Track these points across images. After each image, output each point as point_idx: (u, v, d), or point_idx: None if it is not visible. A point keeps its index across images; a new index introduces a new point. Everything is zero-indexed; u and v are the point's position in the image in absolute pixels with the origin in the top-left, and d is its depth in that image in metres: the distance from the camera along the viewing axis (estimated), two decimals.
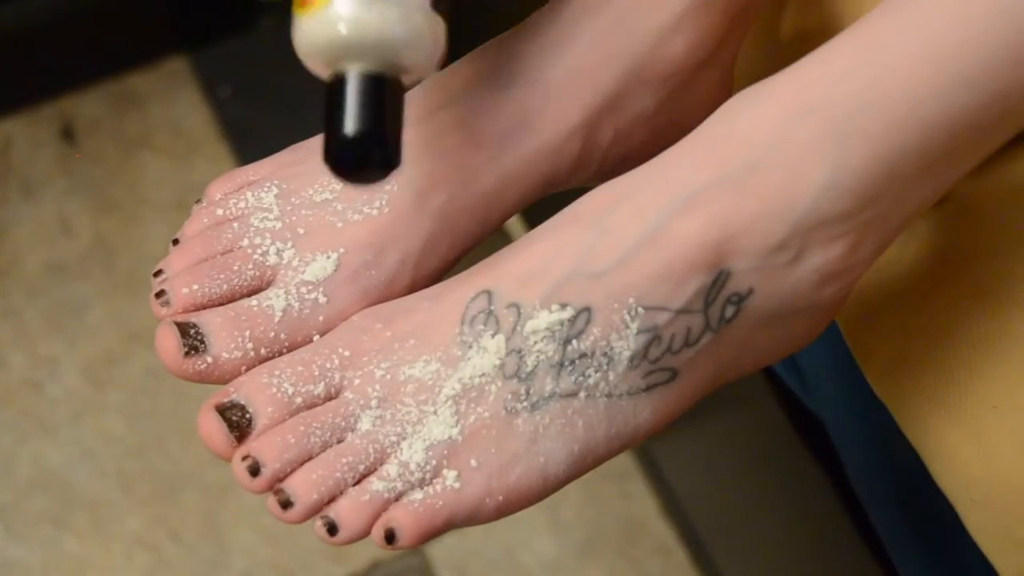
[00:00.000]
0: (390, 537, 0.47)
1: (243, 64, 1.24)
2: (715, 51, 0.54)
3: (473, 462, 0.48)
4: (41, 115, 1.22)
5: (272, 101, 1.22)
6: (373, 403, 0.48)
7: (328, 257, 0.51)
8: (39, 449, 1.09)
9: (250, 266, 0.51)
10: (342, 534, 0.47)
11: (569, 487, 0.50)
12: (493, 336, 0.48)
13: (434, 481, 0.47)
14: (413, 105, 0.54)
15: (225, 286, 0.50)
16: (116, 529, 1.06)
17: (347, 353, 0.49)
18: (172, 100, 1.23)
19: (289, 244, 0.51)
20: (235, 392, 0.48)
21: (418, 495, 0.47)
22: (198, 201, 0.53)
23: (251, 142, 1.21)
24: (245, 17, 1.25)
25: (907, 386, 0.51)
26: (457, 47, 0.54)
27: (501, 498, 0.48)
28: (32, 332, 1.14)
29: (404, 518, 0.47)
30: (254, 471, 0.47)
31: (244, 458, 0.47)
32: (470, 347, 0.48)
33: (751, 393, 0.79)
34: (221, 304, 0.50)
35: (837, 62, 0.45)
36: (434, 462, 0.47)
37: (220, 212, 0.52)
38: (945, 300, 0.51)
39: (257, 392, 0.48)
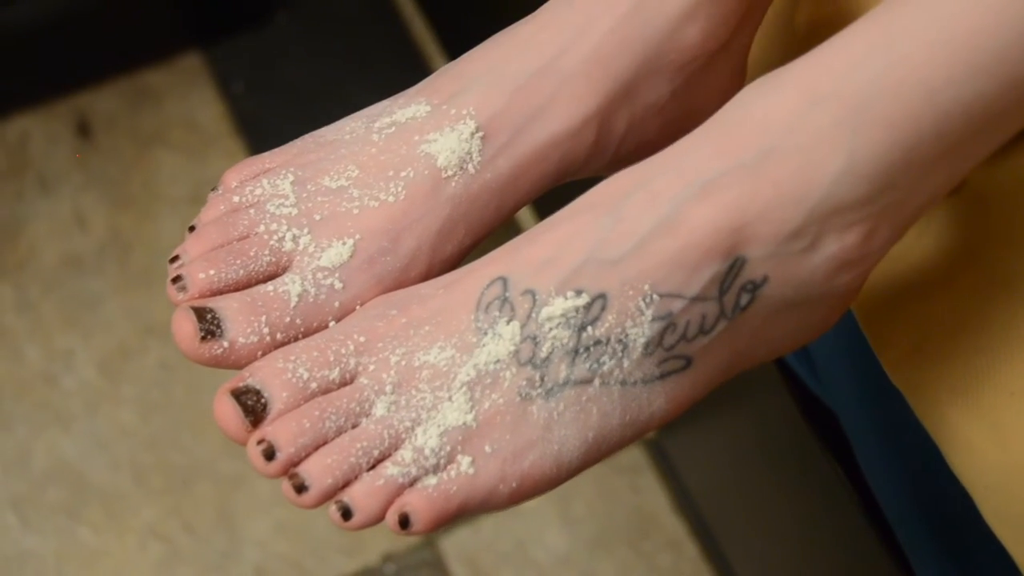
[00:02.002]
0: (404, 522, 0.47)
1: (257, 59, 1.25)
2: (729, 39, 0.54)
3: (487, 448, 0.48)
4: (57, 111, 1.23)
5: (286, 96, 1.23)
6: (388, 389, 0.48)
7: (344, 243, 0.51)
8: (54, 441, 1.10)
9: (266, 252, 0.51)
10: (356, 518, 0.47)
11: (580, 481, 0.50)
12: (508, 323, 0.48)
13: (448, 467, 0.48)
14: (428, 92, 0.54)
15: (242, 272, 0.50)
16: (130, 520, 1.07)
17: (362, 339, 0.49)
18: (187, 96, 1.24)
19: (305, 230, 0.51)
20: (250, 377, 0.49)
21: (432, 480, 0.47)
22: (214, 189, 0.54)
23: (265, 137, 1.21)
24: (258, 12, 1.26)
25: (924, 374, 0.51)
26: (472, 36, 0.54)
27: (515, 484, 0.48)
28: (48, 325, 1.14)
29: (418, 503, 0.47)
30: (269, 455, 0.47)
31: (259, 442, 0.48)
32: (485, 334, 0.48)
33: (762, 384, 0.79)
34: (238, 289, 0.50)
35: (853, 49, 0.45)
36: (448, 448, 0.48)
37: (236, 199, 0.52)
38: (962, 288, 0.51)
39: (272, 377, 0.48)
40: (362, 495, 0.47)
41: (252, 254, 0.51)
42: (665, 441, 1.05)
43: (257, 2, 1.26)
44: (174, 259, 0.51)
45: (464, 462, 0.48)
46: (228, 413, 0.48)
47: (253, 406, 0.48)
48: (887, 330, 0.53)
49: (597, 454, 0.49)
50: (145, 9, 1.23)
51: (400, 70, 1.22)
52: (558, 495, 0.51)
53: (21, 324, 1.14)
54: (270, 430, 0.48)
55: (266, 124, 1.22)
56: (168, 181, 1.20)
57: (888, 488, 0.66)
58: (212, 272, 0.50)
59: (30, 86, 1.23)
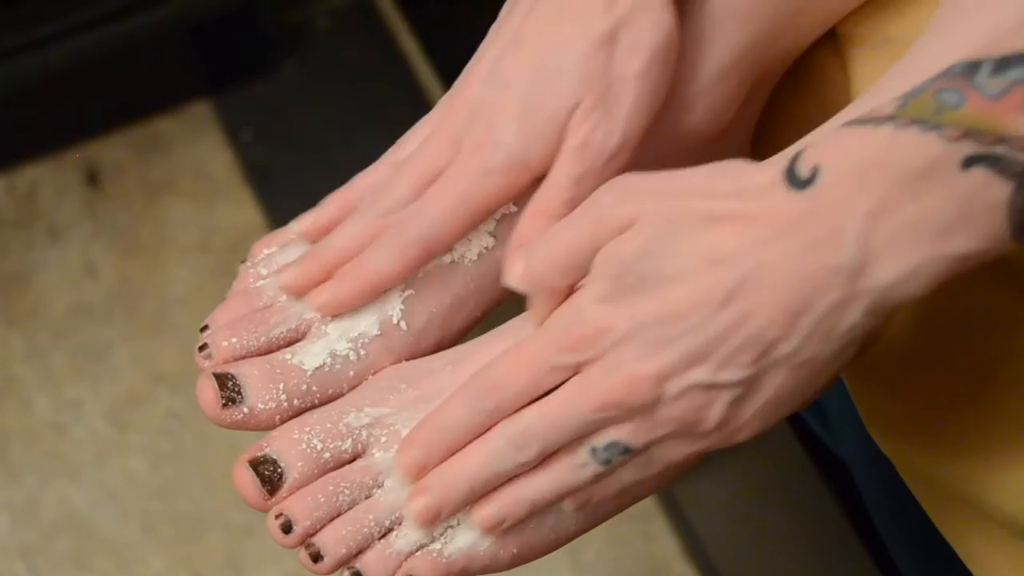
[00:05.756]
0: None
1: (265, 108, 1.25)
2: (731, 124, 0.55)
3: None
4: (66, 160, 1.24)
5: (294, 144, 1.23)
6: None
7: (359, 315, 0.53)
8: (63, 490, 1.10)
9: (286, 320, 0.53)
10: None
11: None
12: None
13: (454, 534, 0.49)
14: None
15: (263, 339, 0.52)
16: (139, 570, 1.07)
17: (374, 411, 0.51)
18: (196, 144, 1.24)
19: None
20: (267, 447, 0.51)
21: (438, 547, 0.49)
22: (243, 261, 0.55)
23: (274, 185, 1.22)
24: (267, 61, 1.27)
25: (910, 447, 0.53)
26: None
27: (515, 550, 0.50)
28: (57, 374, 1.15)
29: (424, 567, 0.49)
30: (286, 529, 0.50)
31: (277, 516, 0.50)
32: None
33: (774, 434, 0.79)
34: (259, 355, 0.52)
35: None
36: (455, 517, 0.49)
37: (263, 271, 0.54)
38: (941, 361, 0.52)
39: (288, 448, 0.50)
40: (373, 563, 0.50)
41: (272, 322, 0.53)
42: (676, 488, 1.05)
43: (265, 51, 1.27)
44: (204, 328, 0.53)
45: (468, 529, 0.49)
46: (246, 482, 0.50)
47: (270, 476, 0.50)
48: (876, 401, 0.54)
49: (592, 522, 0.51)
50: (153, 58, 1.24)
51: (408, 117, 1.22)
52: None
53: (30, 373, 1.15)
54: (287, 504, 0.50)
55: (275, 172, 1.23)
56: (177, 229, 1.21)
57: (897, 536, 0.67)
58: (234, 340, 0.52)
59: (39, 135, 1.23)
